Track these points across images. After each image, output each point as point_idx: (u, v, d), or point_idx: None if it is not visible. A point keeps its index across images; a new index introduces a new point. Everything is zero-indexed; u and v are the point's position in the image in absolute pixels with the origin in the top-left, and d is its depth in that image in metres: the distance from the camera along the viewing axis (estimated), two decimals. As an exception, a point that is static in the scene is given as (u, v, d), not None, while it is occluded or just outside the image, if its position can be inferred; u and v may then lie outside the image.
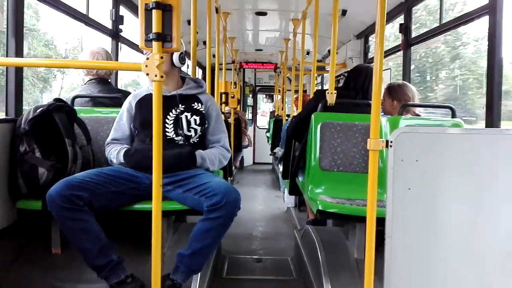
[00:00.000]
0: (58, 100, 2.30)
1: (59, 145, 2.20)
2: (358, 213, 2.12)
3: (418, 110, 3.06)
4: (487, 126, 2.54)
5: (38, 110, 2.14)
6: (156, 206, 1.60)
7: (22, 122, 2.12)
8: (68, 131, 2.25)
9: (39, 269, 2.13)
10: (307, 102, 3.48)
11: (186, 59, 2.39)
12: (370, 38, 5.42)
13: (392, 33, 4.88)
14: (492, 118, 2.52)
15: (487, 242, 1.59)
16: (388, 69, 4.97)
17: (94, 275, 1.96)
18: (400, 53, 4.09)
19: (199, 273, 2.08)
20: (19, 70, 2.30)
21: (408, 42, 3.98)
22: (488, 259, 1.60)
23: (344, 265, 2.25)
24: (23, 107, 2.35)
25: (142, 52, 2.81)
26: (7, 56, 2.24)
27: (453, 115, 2.82)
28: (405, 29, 3.97)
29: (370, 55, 5.44)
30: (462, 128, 2.68)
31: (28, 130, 2.10)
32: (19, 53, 2.26)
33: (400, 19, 4.15)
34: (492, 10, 2.54)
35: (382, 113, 3.11)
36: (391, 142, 1.54)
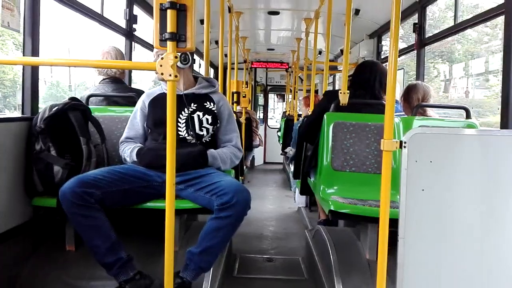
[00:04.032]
0: (73, 99, 2.34)
1: (74, 143, 2.23)
2: (371, 213, 2.10)
3: (433, 111, 3.03)
4: (502, 127, 2.51)
5: (54, 109, 2.17)
6: (169, 204, 1.61)
7: (38, 121, 2.15)
8: (82, 130, 2.28)
9: (53, 266, 2.16)
10: (317, 103, 3.47)
11: (192, 59, 2.40)
12: (383, 38, 5.39)
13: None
14: (508, 119, 2.48)
15: (501, 244, 1.57)
16: (401, 68, 4.93)
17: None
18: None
19: (210, 272, 2.09)
20: (35, 69, 2.33)
21: (422, 42, 3.94)
22: (501, 261, 1.58)
23: (355, 266, 2.24)
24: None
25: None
26: (23, 56, 2.28)
27: (468, 116, 2.79)
28: (419, 28, 3.94)
29: (383, 55, 5.40)
30: (477, 129, 2.65)
31: (43, 129, 2.13)
32: (35, 52, 2.29)
33: (414, 19, 4.12)
34: (509, 9, 2.50)
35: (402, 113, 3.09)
36: (405, 143, 1.53)
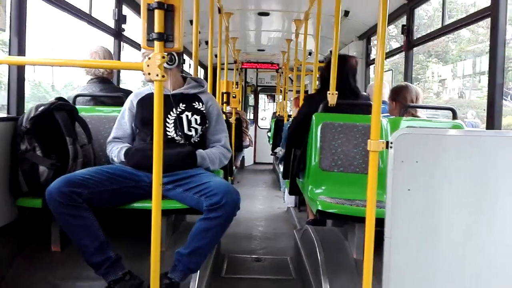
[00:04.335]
0: (60, 99, 2.31)
1: (60, 143, 2.21)
2: (358, 213, 2.12)
3: (421, 111, 3.06)
4: (487, 127, 2.54)
5: (40, 109, 2.15)
6: (156, 205, 1.60)
7: (24, 120, 2.13)
8: (69, 130, 2.26)
9: (38, 266, 2.13)
10: (300, 108, 3.48)
11: (181, 59, 2.39)
12: (372, 39, 5.43)
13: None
14: (493, 120, 2.52)
15: (487, 243, 1.59)
16: (389, 70, 4.97)
17: (93, 273, 1.96)
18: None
19: (198, 272, 2.09)
20: (21, 69, 2.30)
21: (410, 44, 3.98)
22: (488, 260, 1.60)
23: (343, 265, 2.25)
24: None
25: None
26: (9, 55, 2.25)
27: (454, 117, 2.82)
28: (407, 30, 3.97)
29: (372, 56, 5.44)
30: (463, 129, 2.69)
31: (29, 128, 2.10)
32: (21, 51, 2.26)
33: (402, 21, 4.15)
34: (494, 12, 2.54)
35: (388, 114, 3.11)
36: (391, 143, 1.54)
